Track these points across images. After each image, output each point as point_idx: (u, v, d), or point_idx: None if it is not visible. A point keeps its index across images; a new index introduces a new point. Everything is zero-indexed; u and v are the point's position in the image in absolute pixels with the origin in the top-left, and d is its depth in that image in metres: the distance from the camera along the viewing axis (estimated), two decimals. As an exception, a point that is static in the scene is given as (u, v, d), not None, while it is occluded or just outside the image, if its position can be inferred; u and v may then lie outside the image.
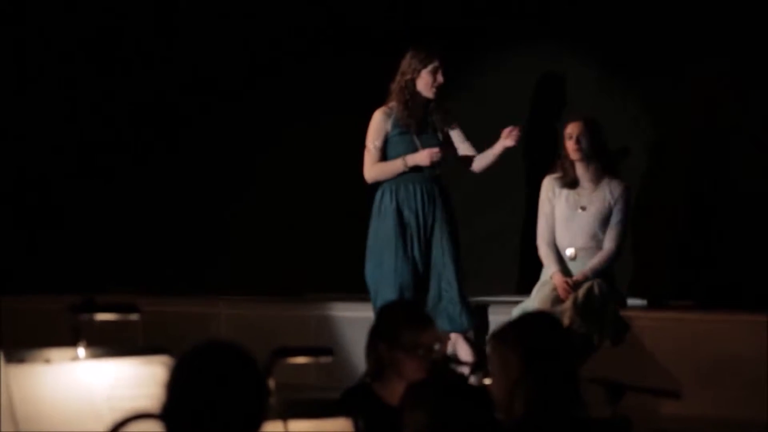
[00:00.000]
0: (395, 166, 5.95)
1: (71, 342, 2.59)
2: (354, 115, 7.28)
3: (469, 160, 6.12)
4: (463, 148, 6.09)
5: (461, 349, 5.76)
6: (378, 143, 6.00)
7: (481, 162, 6.11)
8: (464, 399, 2.47)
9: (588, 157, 6.03)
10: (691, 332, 5.90)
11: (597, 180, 6.07)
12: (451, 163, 6.09)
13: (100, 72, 7.86)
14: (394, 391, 3.45)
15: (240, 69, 7.55)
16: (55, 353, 2.57)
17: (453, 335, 5.85)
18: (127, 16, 7.79)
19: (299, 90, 7.39)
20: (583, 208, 6.07)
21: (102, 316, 2.73)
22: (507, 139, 6.00)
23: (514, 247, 6.65)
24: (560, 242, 6.10)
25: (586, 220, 6.05)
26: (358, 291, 6.94)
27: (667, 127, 6.55)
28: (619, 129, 6.40)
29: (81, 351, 2.60)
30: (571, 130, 6.01)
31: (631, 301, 6.19)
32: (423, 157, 5.90)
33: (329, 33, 7.32)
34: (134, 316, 2.74)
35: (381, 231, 5.98)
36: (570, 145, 6.02)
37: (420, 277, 5.92)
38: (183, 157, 7.74)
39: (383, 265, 5.94)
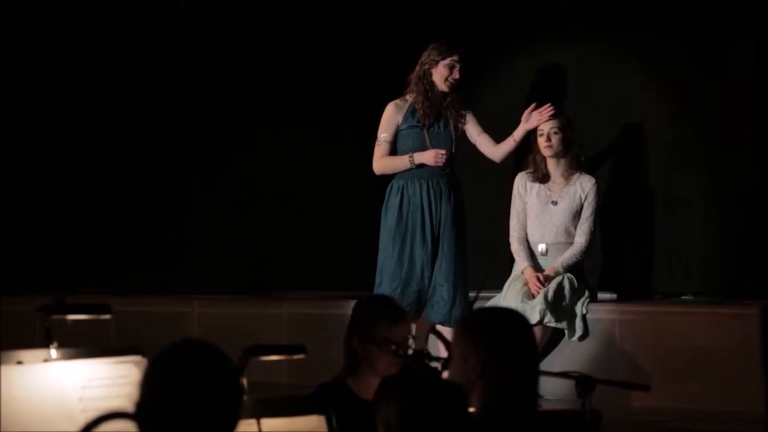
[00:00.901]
0: (402, 162, 5.98)
1: (43, 343, 2.59)
2: (326, 115, 7.31)
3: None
4: (480, 140, 6.07)
5: (436, 343, 5.77)
6: (388, 136, 6.02)
7: (500, 151, 6.07)
8: (436, 393, 2.48)
9: (559, 154, 6.09)
10: (660, 326, 5.95)
11: (568, 175, 6.13)
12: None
13: (68, 73, 7.83)
14: (368, 386, 3.47)
15: (209, 68, 7.54)
16: (27, 354, 2.56)
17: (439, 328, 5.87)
18: (98, 16, 7.77)
19: (270, 90, 7.39)
20: (555, 203, 6.12)
21: (74, 317, 2.73)
22: (527, 123, 6.00)
23: (488, 243, 6.67)
24: (532, 237, 6.15)
25: (558, 215, 6.11)
26: (330, 288, 6.97)
27: (637, 123, 6.60)
28: (591, 124, 6.44)
29: (53, 352, 2.60)
30: (543, 126, 6.06)
31: (601, 295, 6.24)
32: (429, 157, 5.92)
33: (303, 34, 7.33)
34: (106, 317, 2.74)
35: (386, 226, 6.01)
36: (541, 142, 6.08)
37: (421, 272, 5.93)
38: (154, 157, 7.73)
39: (386, 259, 5.96)
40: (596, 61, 6.61)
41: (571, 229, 6.11)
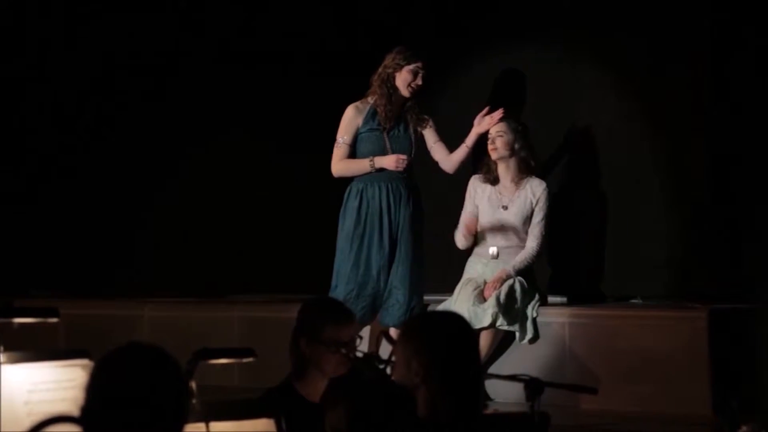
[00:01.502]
0: (362, 165, 5.97)
1: (-10, 346, 2.58)
2: (278, 118, 7.31)
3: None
4: (435, 148, 6.09)
5: (384, 346, 5.79)
6: (348, 138, 6.01)
7: (454, 159, 6.09)
8: (384, 395, 2.49)
9: (505, 157, 6.12)
10: (609, 329, 6.00)
11: (518, 180, 6.16)
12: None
13: (18, 77, 7.75)
14: (316, 389, 3.48)
15: (159, 70, 7.50)
16: (-26, 358, 2.55)
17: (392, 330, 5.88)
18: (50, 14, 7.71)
19: (223, 91, 7.37)
20: (505, 208, 6.16)
21: (21, 320, 2.71)
22: (479, 127, 6.03)
23: (439, 246, 6.70)
24: (483, 241, 6.18)
25: (508, 219, 6.14)
26: (282, 292, 6.96)
27: (589, 126, 6.65)
28: (545, 127, 6.49)
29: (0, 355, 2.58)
30: (491, 129, 6.09)
31: (552, 299, 6.28)
32: (390, 162, 5.92)
33: (255, 37, 7.32)
34: (53, 320, 2.73)
35: (344, 229, 6.00)
36: (489, 146, 6.12)
37: (377, 275, 5.94)
38: (103, 160, 7.67)
39: (343, 261, 5.96)
40: (549, 63, 6.65)
41: (522, 233, 6.15)
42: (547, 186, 6.17)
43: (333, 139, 6.08)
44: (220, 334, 6.56)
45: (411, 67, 5.95)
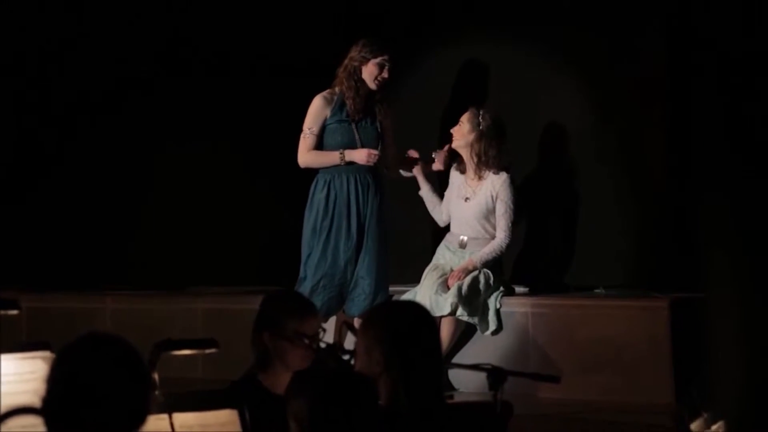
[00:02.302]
0: (332, 157, 5.95)
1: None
2: (239, 109, 7.29)
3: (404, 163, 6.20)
4: (386, 147, 6.08)
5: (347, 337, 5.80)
6: (315, 129, 5.97)
7: (397, 169, 6.22)
8: (346, 387, 2.50)
9: (464, 148, 6.13)
10: (572, 318, 6.03)
11: (480, 172, 6.16)
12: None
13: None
14: (280, 381, 3.47)
15: (132, 71, 7.45)
16: (-66, 351, 2.53)
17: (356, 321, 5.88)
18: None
19: (190, 82, 7.33)
20: (467, 199, 6.18)
21: (-20, 313, 2.70)
22: (431, 164, 6.11)
23: (402, 237, 6.72)
24: (453, 230, 6.21)
25: (470, 210, 6.16)
26: (245, 284, 6.94)
27: (552, 118, 6.68)
28: (507, 119, 6.51)
29: (-40, 348, 2.57)
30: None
31: (516, 289, 6.31)
32: (361, 156, 5.91)
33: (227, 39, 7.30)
34: (13, 312, 2.71)
35: (311, 219, 5.98)
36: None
37: (345, 266, 5.94)
38: (67, 155, 7.62)
39: (311, 252, 5.95)
40: (512, 56, 6.67)
41: (486, 225, 6.16)
42: (510, 178, 6.16)
43: (296, 132, 6.06)
44: (183, 327, 6.54)
45: (377, 60, 5.94)
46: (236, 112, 7.24)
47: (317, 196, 5.98)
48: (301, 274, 5.99)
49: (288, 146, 6.13)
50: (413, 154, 6.20)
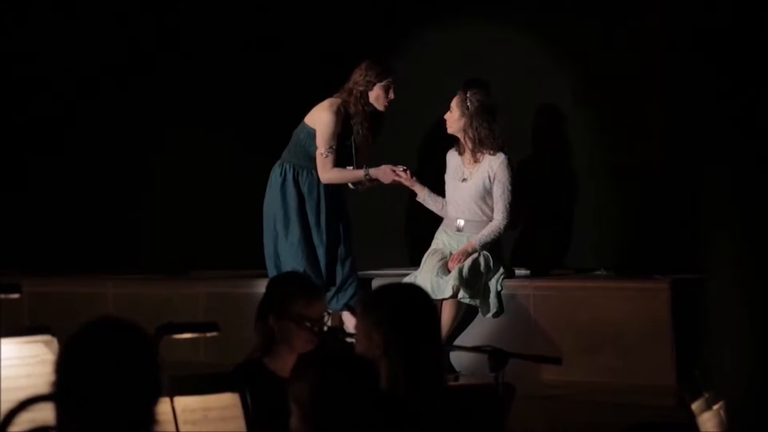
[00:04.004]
0: (356, 175, 5.99)
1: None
2: (242, 95, 7.28)
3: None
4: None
5: (349, 321, 5.82)
6: (334, 145, 5.96)
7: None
8: (347, 370, 2.50)
9: (458, 132, 6.11)
10: (573, 300, 6.04)
11: (477, 154, 6.14)
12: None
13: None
14: (284, 364, 3.47)
15: (133, 55, 7.44)
16: (-64, 336, 2.53)
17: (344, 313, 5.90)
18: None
19: (189, 70, 7.33)
20: (464, 181, 6.16)
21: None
22: (377, 173, 6.02)
23: (412, 219, 6.73)
24: (450, 213, 6.20)
25: (467, 192, 6.14)
26: (247, 267, 6.95)
27: (548, 101, 6.67)
28: (502, 102, 6.50)
29: (-38, 332, 2.57)
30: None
31: (516, 272, 6.31)
32: (385, 175, 5.95)
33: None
34: (15, 296, 2.72)
35: (278, 213, 5.99)
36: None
37: (323, 249, 5.98)
38: (66, 138, 7.62)
39: (288, 236, 5.95)
40: (505, 38, 6.65)
41: (484, 207, 6.14)
42: (508, 159, 6.13)
43: (299, 115, 6.04)
44: (184, 311, 6.55)
45: (384, 83, 5.93)
46: (239, 96, 7.23)
47: (279, 180, 6.03)
48: (272, 265, 6.04)
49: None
50: (400, 171, 6.10)
